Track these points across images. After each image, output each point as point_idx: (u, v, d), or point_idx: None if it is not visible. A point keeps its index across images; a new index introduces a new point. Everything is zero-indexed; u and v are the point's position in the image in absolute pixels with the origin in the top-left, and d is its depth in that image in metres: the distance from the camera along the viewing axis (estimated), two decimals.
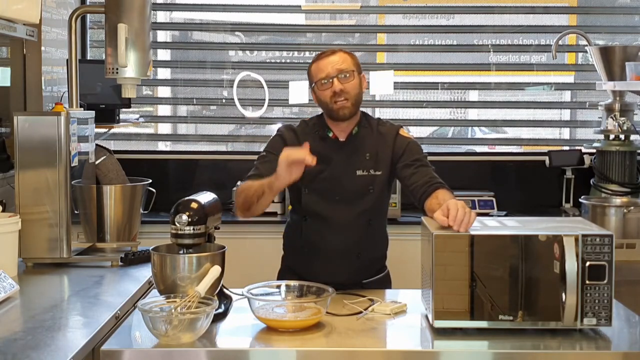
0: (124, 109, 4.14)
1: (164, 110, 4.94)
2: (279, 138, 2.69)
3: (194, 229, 2.20)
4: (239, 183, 4.10)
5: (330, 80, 2.57)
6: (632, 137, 4.06)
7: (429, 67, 4.70)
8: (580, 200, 3.75)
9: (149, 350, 2.00)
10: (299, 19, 4.71)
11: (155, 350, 2.00)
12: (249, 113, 4.62)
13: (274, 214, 4.12)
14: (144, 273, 2.70)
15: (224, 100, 4.67)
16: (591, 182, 4.11)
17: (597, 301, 2.07)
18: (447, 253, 2.10)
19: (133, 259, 2.85)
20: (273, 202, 4.10)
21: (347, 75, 2.58)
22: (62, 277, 2.69)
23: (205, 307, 2.04)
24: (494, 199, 4.18)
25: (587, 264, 2.06)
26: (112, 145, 4.45)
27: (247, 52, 4.81)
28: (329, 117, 2.65)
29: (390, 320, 2.25)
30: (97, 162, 3.33)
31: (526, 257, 2.09)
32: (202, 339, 2.04)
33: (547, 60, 4.63)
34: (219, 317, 2.20)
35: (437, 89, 4.69)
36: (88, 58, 4.53)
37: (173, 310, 2.03)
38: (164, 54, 4.83)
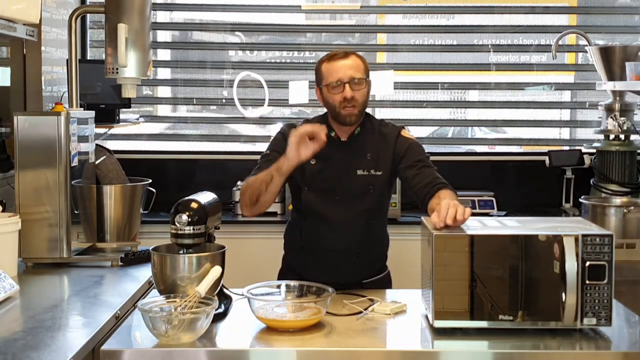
0: (124, 109, 4.14)
1: (164, 110, 4.94)
2: (281, 137, 2.68)
3: (194, 229, 2.20)
4: (239, 183, 4.14)
5: (342, 85, 2.55)
6: (632, 137, 4.06)
7: (429, 67, 4.70)
8: (580, 200, 3.75)
9: (149, 350, 2.00)
10: (299, 19, 4.71)
11: (155, 350, 2.00)
12: (249, 113, 4.62)
13: (274, 214, 4.12)
14: (144, 273, 2.70)
15: (224, 100, 4.67)
16: (591, 182, 4.11)
17: (597, 301, 2.07)
18: (447, 253, 2.09)
19: (133, 259, 2.85)
20: (274, 202, 4.11)
21: (359, 82, 2.57)
22: (62, 277, 2.69)
23: (205, 307, 2.04)
24: (494, 199, 4.18)
25: (587, 264, 2.06)
26: (112, 145, 4.45)
27: (247, 52, 4.81)
28: (335, 120, 2.64)
29: (390, 320, 2.25)
30: (97, 162, 3.33)
31: (526, 257, 2.09)
32: (202, 339, 2.04)
33: (547, 60, 4.63)
34: (219, 317, 2.20)
35: (437, 89, 4.69)
36: (88, 58, 4.53)
37: (173, 310, 2.03)
38: (164, 54, 4.83)
